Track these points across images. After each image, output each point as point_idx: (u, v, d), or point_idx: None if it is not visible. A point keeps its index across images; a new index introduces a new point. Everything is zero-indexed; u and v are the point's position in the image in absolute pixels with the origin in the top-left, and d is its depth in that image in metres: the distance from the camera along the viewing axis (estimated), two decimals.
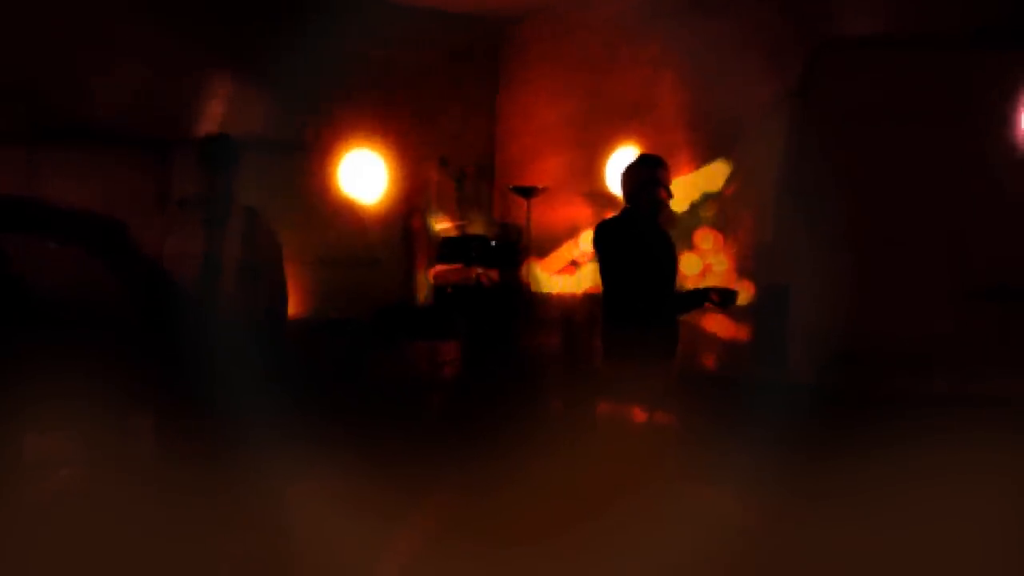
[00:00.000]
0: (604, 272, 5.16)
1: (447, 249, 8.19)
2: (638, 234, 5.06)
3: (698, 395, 5.79)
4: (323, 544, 4.76)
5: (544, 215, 7.80)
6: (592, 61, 7.56)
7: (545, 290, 7.68)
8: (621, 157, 6.77)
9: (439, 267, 8.16)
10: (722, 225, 5.93)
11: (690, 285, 5.96)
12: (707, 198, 5.95)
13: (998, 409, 4.81)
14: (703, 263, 5.93)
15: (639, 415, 5.08)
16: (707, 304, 5.13)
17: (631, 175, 5.14)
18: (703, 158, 6.05)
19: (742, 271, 5.76)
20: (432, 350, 7.84)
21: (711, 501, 4.83)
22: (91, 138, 6.89)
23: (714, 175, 5.94)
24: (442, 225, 8.23)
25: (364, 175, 8.07)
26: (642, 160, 5.21)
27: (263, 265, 4.84)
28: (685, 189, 6.13)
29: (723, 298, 5.06)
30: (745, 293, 5.76)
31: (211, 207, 4.75)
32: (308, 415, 5.72)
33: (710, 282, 5.98)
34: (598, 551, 4.46)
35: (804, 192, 5.51)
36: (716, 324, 5.92)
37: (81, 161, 6.84)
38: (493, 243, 8.05)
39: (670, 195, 5.10)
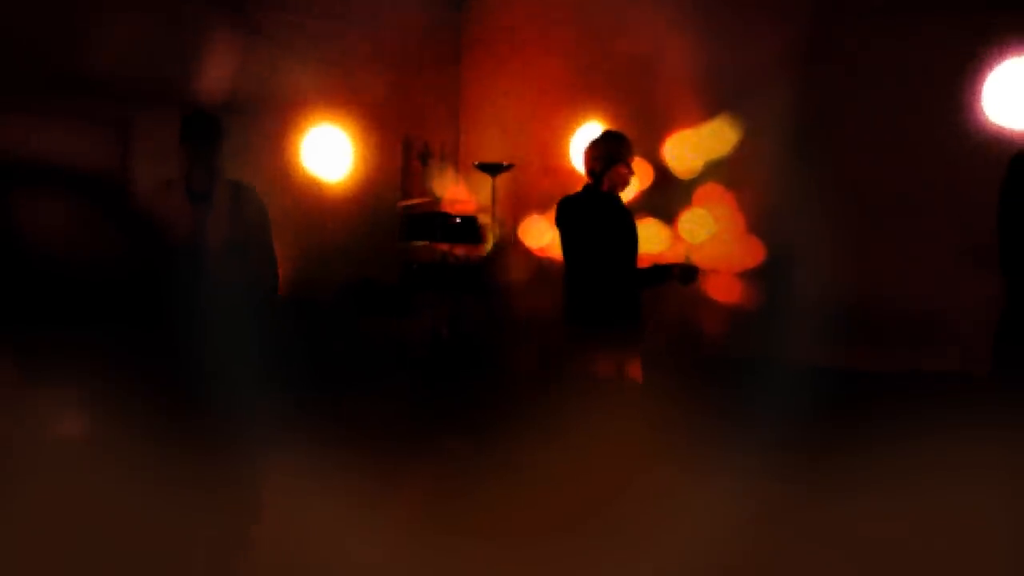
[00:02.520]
0: (566, 249, 5.21)
1: (412, 227, 8.16)
2: (599, 211, 5.11)
3: (700, 372, 5.89)
4: (304, 531, 4.78)
5: (511, 192, 7.83)
6: (570, 30, 7.50)
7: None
8: (587, 132, 6.82)
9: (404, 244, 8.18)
10: (730, 184, 5.92)
11: (697, 249, 6.11)
12: (714, 159, 6.00)
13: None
14: (714, 222, 6.00)
15: (609, 391, 5.15)
16: (669, 280, 5.22)
17: (593, 152, 5.20)
18: (708, 117, 6.03)
19: (752, 231, 5.84)
20: (398, 328, 7.81)
21: (713, 490, 4.78)
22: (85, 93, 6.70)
23: (719, 134, 5.93)
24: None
25: (328, 152, 7.98)
26: (605, 137, 5.27)
27: (251, 240, 4.81)
28: (689, 146, 6.15)
29: (685, 274, 5.16)
30: (753, 256, 5.88)
31: (196, 184, 4.70)
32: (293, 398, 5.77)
33: (709, 249, 6.09)
34: (584, 546, 4.40)
35: (811, 155, 5.52)
36: (720, 291, 6.00)
37: (74, 116, 6.69)
38: (458, 220, 8.07)
39: (631, 172, 5.17)
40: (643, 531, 4.49)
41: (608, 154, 5.16)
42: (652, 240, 6.19)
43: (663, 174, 6.19)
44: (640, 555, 4.33)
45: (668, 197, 6.13)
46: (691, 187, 6.06)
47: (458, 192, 8.27)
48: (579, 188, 5.32)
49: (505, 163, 7.72)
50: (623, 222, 5.23)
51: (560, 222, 5.26)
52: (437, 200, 8.21)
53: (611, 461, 4.85)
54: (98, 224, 6.07)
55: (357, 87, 8.02)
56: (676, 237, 6.13)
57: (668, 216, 6.15)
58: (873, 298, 5.37)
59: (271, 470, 5.03)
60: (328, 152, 7.96)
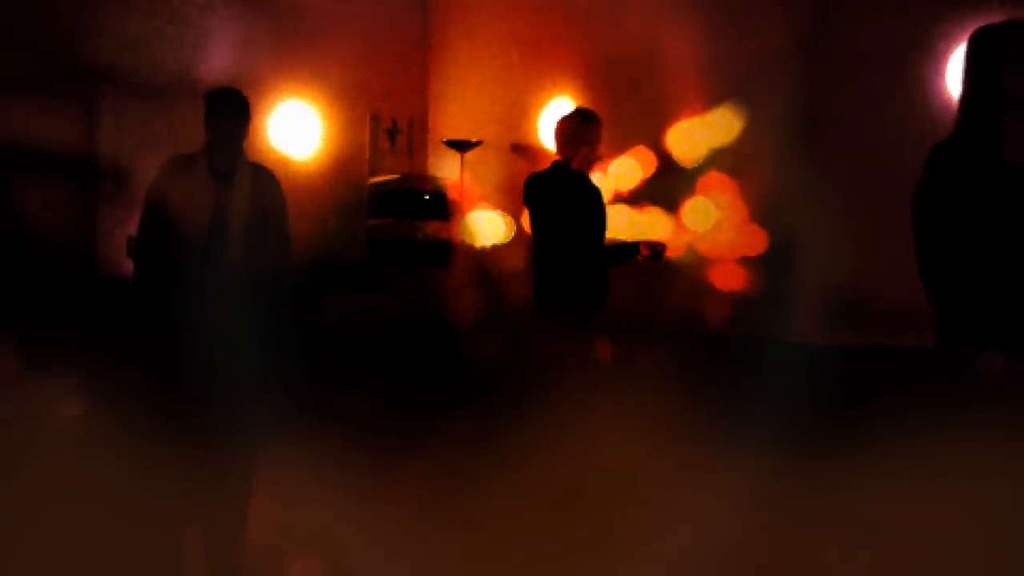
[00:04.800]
0: (534, 225, 5.22)
1: (381, 203, 8.07)
2: (567, 188, 5.13)
3: (698, 353, 5.93)
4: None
5: (480, 169, 7.80)
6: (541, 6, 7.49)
7: None
8: (557, 109, 6.75)
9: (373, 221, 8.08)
10: (734, 172, 5.93)
11: (700, 237, 6.19)
12: (717, 149, 6.02)
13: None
14: (717, 211, 6.04)
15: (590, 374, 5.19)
16: (638, 257, 5.26)
17: (563, 129, 5.19)
18: (711, 106, 6.02)
19: (754, 220, 5.89)
20: (364, 305, 7.75)
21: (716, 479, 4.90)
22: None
23: (723, 123, 5.92)
24: None
25: (296, 128, 7.82)
26: (574, 114, 5.26)
27: (270, 222, 4.67)
28: (692, 135, 6.13)
29: (653, 251, 5.20)
30: (756, 244, 5.89)
31: (219, 162, 4.54)
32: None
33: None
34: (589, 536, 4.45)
35: (814, 142, 5.55)
36: (722, 277, 6.06)
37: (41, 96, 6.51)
38: (427, 197, 8.01)
39: (600, 150, 5.18)
40: (642, 519, 4.56)
41: (578, 132, 5.15)
42: (655, 228, 6.24)
43: (666, 163, 6.20)
44: (640, 544, 4.36)
45: (671, 186, 6.14)
46: (694, 176, 6.06)
47: (426, 169, 8.24)
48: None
49: (473, 140, 7.68)
50: (591, 200, 5.24)
51: (528, 199, 5.26)
52: (406, 176, 8.14)
53: (609, 444, 4.88)
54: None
55: (325, 63, 7.85)
56: (679, 225, 6.16)
57: (671, 205, 6.16)
58: (874, 286, 5.42)
59: (265, 463, 4.90)
60: (295, 129, 7.79)
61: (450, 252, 7.89)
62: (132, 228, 6.58)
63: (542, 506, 4.62)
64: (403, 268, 7.84)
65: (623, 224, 6.31)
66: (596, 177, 5.65)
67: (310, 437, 5.96)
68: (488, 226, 7.54)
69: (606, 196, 6.34)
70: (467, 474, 5.43)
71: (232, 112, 4.52)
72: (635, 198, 6.36)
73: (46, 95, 6.61)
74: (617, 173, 6.44)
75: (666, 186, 6.18)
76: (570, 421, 4.82)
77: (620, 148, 6.38)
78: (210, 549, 4.49)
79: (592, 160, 5.21)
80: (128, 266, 6.67)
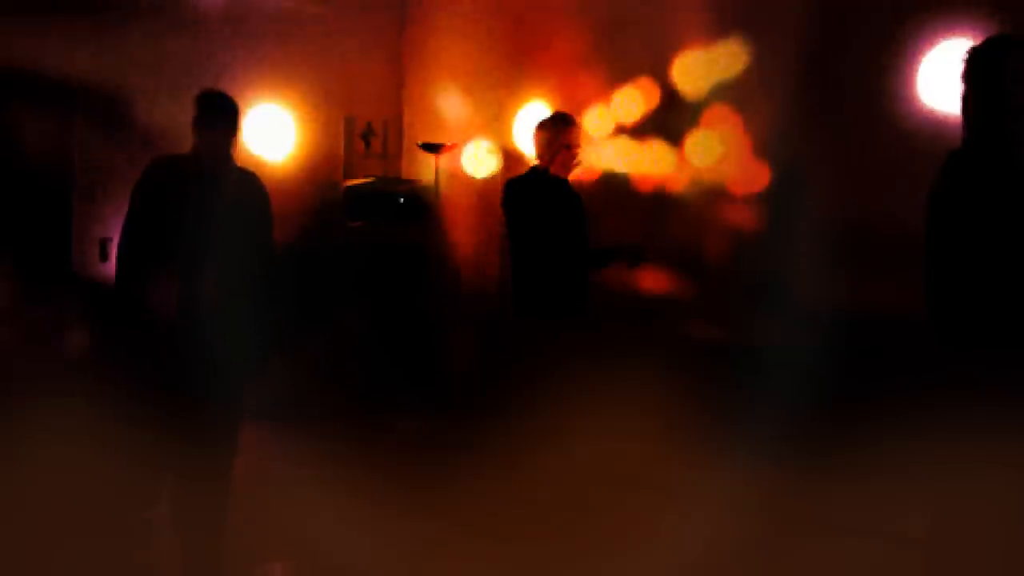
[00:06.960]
0: (512, 231, 5.22)
1: (356, 206, 7.91)
2: (546, 193, 5.12)
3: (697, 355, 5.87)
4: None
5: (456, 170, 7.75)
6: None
7: None
8: (533, 111, 6.80)
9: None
10: (738, 105, 5.84)
11: (706, 171, 6.09)
12: (722, 81, 5.89)
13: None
14: (721, 144, 5.99)
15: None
16: (616, 263, 5.31)
17: (541, 133, 5.20)
18: (716, 37, 5.95)
19: (758, 154, 5.83)
20: (341, 307, 7.62)
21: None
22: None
23: (728, 55, 5.86)
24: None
25: (270, 131, 7.71)
26: (553, 119, 5.29)
27: (256, 226, 4.69)
28: (697, 67, 6.08)
29: (631, 257, 5.25)
30: (759, 179, 5.83)
31: (208, 166, 4.56)
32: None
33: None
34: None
35: (820, 78, 5.51)
36: (725, 212, 5.97)
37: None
38: (402, 200, 7.92)
39: (579, 156, 5.20)
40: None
41: (556, 136, 5.15)
42: (658, 162, 6.18)
43: (670, 95, 6.16)
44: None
45: (675, 118, 6.09)
46: (699, 109, 6.02)
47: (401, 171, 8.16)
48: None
49: (448, 143, 7.65)
50: (570, 205, 5.20)
51: (506, 204, 5.24)
52: (381, 179, 8.04)
53: (604, 446, 5.01)
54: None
55: (299, 65, 7.82)
56: (682, 159, 6.09)
57: (675, 138, 6.10)
58: (876, 223, 5.30)
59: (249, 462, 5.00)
60: (270, 132, 7.69)
61: (426, 253, 7.82)
62: (107, 231, 6.49)
63: (539, 507, 4.60)
64: (379, 270, 7.72)
65: (626, 158, 6.26)
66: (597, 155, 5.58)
67: (296, 437, 6.16)
68: (482, 158, 7.42)
69: (609, 129, 6.36)
70: (461, 475, 5.45)
71: (222, 120, 4.56)
72: (638, 131, 6.29)
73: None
74: (620, 105, 6.38)
75: (670, 119, 6.13)
76: (562, 423, 4.79)
77: (623, 80, 6.34)
78: (189, 545, 4.51)
79: (571, 165, 5.20)
80: (103, 271, 6.58)
